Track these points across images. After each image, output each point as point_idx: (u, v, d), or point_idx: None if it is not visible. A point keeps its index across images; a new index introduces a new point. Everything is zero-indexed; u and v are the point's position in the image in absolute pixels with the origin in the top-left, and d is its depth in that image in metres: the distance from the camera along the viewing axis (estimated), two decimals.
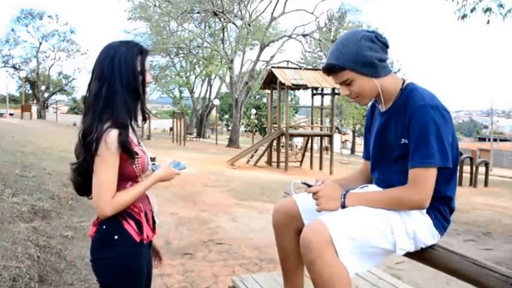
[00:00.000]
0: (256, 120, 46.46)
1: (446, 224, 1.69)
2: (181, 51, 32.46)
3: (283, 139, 16.28)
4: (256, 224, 5.73)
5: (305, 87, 16.39)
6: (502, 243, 5.54)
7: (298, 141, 32.44)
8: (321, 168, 16.90)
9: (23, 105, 32.98)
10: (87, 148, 1.41)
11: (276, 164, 16.22)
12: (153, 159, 1.72)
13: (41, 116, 39.98)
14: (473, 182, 13.04)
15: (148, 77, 1.54)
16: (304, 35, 28.23)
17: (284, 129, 15.84)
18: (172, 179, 1.61)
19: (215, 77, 37.27)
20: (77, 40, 60.54)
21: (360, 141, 48.94)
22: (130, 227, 1.48)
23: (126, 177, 1.48)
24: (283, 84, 15.20)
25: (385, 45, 1.63)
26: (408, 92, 1.63)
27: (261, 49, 27.77)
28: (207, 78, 38.23)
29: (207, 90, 40.01)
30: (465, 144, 48.58)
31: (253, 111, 43.05)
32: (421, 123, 1.53)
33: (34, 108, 39.07)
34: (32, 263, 3.06)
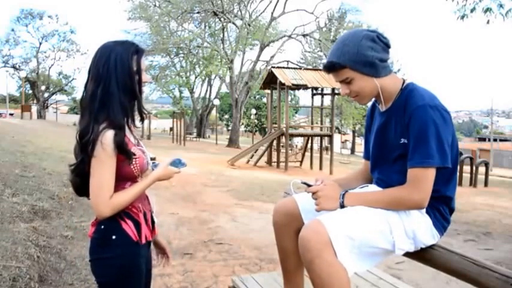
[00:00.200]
0: (256, 120, 46.45)
1: (446, 224, 1.69)
2: (181, 51, 32.49)
3: (283, 139, 16.28)
4: (256, 224, 5.73)
5: (305, 87, 16.40)
6: (502, 243, 5.54)
7: (298, 141, 32.44)
8: (321, 168, 16.90)
9: (23, 105, 32.98)
10: (84, 149, 1.41)
11: (276, 164, 16.22)
12: (153, 159, 1.71)
13: (41, 116, 39.97)
14: (473, 182, 13.04)
15: (145, 77, 1.53)
16: (304, 35, 28.24)
17: (284, 129, 15.84)
18: (172, 177, 1.60)
19: (215, 77, 37.30)
20: (77, 40, 60.75)
21: (360, 141, 48.98)
22: (128, 227, 1.48)
23: (124, 178, 1.47)
24: (283, 84, 15.20)
25: (386, 46, 1.63)
26: (408, 92, 1.63)
27: (261, 49, 27.78)
28: (207, 78, 38.24)
29: (207, 90, 40.08)
30: (465, 144, 48.58)
31: (253, 111, 43.05)
32: (420, 123, 1.53)
33: (34, 108, 39.07)
34: (32, 263, 3.06)
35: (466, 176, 13.16)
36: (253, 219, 6.02)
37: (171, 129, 34.67)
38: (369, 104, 1.89)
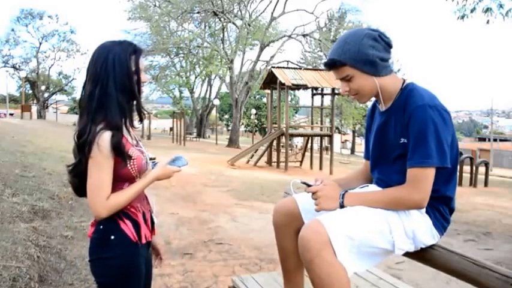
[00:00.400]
0: (256, 120, 46.45)
1: (446, 224, 1.69)
2: (181, 51, 32.49)
3: (283, 139, 16.28)
4: (256, 224, 5.73)
5: (305, 87, 16.39)
6: (502, 243, 5.54)
7: (298, 141, 32.44)
8: (321, 168, 16.90)
9: (23, 105, 32.99)
10: (81, 150, 1.41)
11: (276, 164, 16.22)
12: (153, 159, 1.71)
13: (41, 116, 39.97)
14: (473, 182, 13.04)
15: (144, 77, 1.53)
16: (304, 35, 28.24)
17: (284, 129, 15.84)
18: (171, 176, 1.60)
19: (215, 77, 37.30)
20: (77, 40, 60.75)
21: (360, 141, 48.98)
22: (127, 227, 1.48)
23: (122, 179, 1.47)
24: (283, 84, 15.20)
25: (388, 45, 1.63)
26: (408, 92, 1.63)
27: (261, 49, 27.78)
28: (207, 78, 38.24)
29: (207, 90, 40.08)
30: (465, 144, 48.58)
31: (253, 111, 43.05)
32: (419, 123, 1.53)
33: (34, 108, 39.07)
34: (32, 263, 3.06)
35: (466, 176, 13.16)
36: (253, 219, 6.02)
37: (171, 129, 34.67)
38: (370, 104, 1.89)
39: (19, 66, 40.85)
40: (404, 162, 1.58)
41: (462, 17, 8.01)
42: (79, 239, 4.00)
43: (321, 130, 19.11)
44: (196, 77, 38.53)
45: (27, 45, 40.99)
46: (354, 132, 46.09)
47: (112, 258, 1.45)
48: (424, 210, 1.62)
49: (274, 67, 17.70)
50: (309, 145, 18.12)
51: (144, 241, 1.53)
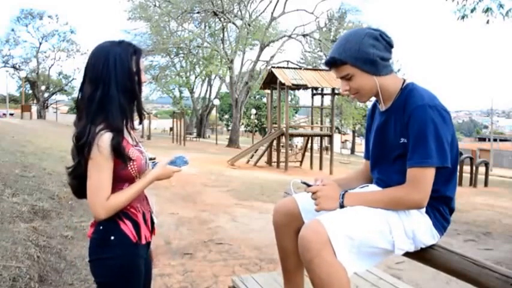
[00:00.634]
0: (256, 120, 46.45)
1: (446, 224, 1.69)
2: (181, 51, 32.49)
3: (283, 139, 16.28)
4: (256, 224, 5.73)
5: (305, 87, 16.39)
6: (502, 243, 5.54)
7: (298, 141, 32.44)
8: (321, 168, 16.90)
9: (23, 105, 32.98)
10: (81, 151, 1.40)
11: (276, 164, 16.22)
12: (153, 159, 1.70)
13: (41, 116, 39.96)
14: (473, 182, 13.04)
15: (144, 77, 1.52)
16: (304, 35, 28.23)
17: (284, 129, 15.83)
18: (171, 176, 1.59)
19: (215, 77, 37.29)
20: (77, 40, 60.56)
21: (360, 141, 48.98)
22: (126, 227, 1.48)
23: (122, 179, 1.47)
24: (283, 84, 15.20)
25: (389, 45, 1.63)
26: (408, 92, 1.63)
27: (261, 49, 27.78)
28: (207, 78, 38.24)
29: (207, 90, 40.07)
30: (465, 144, 48.59)
31: (253, 111, 43.04)
32: (419, 123, 1.53)
33: (34, 108, 39.06)
34: (32, 263, 3.06)
35: (466, 176, 13.16)
36: (253, 219, 6.02)
37: (171, 129, 34.67)
38: (370, 104, 1.89)
39: (19, 66, 40.85)
40: (404, 162, 1.58)
41: (462, 17, 8.01)
42: (79, 239, 4.00)
43: (321, 130, 19.11)
44: (196, 77, 38.55)
45: (27, 45, 41.05)
46: (354, 132, 46.09)
47: (112, 258, 1.45)
48: (424, 210, 1.62)
49: (274, 67, 17.69)
50: (309, 145, 18.12)
51: (144, 241, 1.53)
